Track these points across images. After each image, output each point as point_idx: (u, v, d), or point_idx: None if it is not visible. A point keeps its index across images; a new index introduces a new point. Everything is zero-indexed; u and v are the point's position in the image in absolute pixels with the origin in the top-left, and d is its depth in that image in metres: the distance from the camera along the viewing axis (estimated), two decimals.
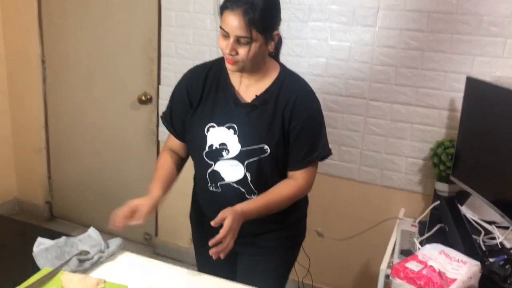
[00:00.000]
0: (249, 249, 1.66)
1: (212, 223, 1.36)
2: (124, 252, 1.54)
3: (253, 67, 1.48)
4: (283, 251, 1.70)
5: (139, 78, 2.97)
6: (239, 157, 1.51)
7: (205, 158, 1.55)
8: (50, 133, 3.41)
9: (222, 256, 1.37)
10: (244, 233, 1.53)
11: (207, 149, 1.54)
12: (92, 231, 1.60)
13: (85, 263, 1.42)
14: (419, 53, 2.23)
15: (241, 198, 1.53)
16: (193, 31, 2.69)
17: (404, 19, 2.23)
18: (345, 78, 2.40)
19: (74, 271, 1.38)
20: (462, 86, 2.02)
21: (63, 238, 1.53)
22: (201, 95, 1.56)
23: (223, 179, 1.55)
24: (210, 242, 1.36)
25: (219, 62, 1.56)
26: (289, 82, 1.52)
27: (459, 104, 2.11)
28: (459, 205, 2.01)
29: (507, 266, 1.43)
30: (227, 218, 1.37)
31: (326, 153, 1.58)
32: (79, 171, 3.37)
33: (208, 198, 1.62)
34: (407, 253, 1.71)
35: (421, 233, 1.89)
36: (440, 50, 2.20)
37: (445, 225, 1.85)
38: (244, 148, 1.50)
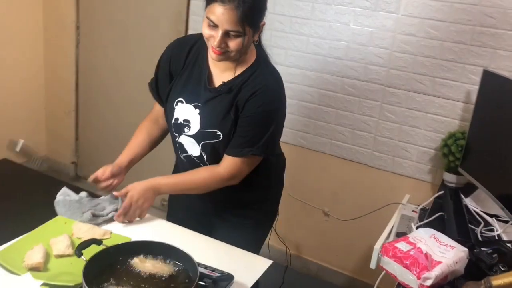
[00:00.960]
0: (220, 222, 1.72)
1: (116, 193, 1.54)
2: None
3: (237, 57, 1.46)
4: (245, 228, 1.71)
5: None
6: (196, 137, 1.55)
7: (172, 129, 1.61)
8: (79, 96, 3.56)
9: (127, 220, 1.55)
10: (214, 200, 1.66)
11: (173, 121, 1.59)
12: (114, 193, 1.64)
13: (98, 219, 1.51)
14: (439, 43, 2.23)
15: None
16: None
17: (427, 8, 2.23)
18: (364, 63, 2.42)
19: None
20: (479, 79, 2.01)
21: (84, 194, 1.62)
22: (182, 68, 1.58)
23: (186, 151, 1.61)
24: (115, 217, 1.52)
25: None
26: (257, 75, 1.49)
27: (474, 97, 2.11)
28: (462, 196, 2.03)
29: (494, 255, 1.45)
30: (129, 192, 1.52)
31: (260, 153, 1.51)
32: (105, 134, 3.50)
33: (181, 165, 1.69)
34: (402, 235, 1.75)
35: (420, 219, 1.92)
36: (460, 42, 2.19)
37: (445, 213, 1.88)
38: (202, 130, 1.53)
